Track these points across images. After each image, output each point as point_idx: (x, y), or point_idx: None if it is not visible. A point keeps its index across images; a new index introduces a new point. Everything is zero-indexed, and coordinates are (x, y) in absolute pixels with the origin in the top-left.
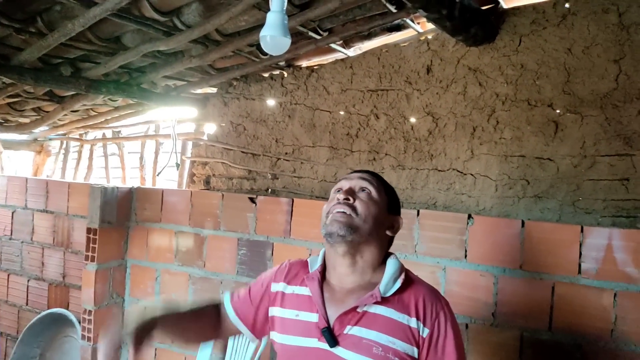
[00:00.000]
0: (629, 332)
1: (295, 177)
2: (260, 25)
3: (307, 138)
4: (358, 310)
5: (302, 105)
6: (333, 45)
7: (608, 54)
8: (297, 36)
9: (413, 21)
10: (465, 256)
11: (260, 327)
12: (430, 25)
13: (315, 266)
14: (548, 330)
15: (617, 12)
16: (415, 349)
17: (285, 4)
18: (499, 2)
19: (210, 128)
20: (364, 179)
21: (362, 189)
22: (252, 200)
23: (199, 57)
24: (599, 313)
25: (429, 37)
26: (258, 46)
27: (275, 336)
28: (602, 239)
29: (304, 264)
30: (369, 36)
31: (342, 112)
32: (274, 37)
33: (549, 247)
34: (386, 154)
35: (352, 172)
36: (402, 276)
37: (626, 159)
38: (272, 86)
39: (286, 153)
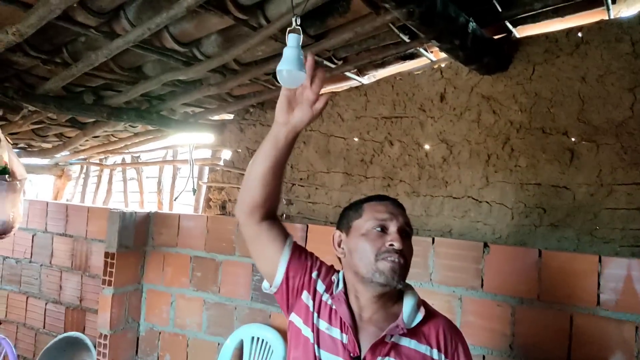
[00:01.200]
0: None
1: (309, 202)
2: (276, 55)
3: (321, 164)
4: (386, 340)
5: (317, 131)
6: (347, 74)
7: (622, 82)
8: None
9: (426, 50)
10: (482, 285)
11: (289, 291)
12: (444, 54)
13: (339, 286)
14: None
15: (630, 41)
16: None
17: (301, 39)
18: (511, 32)
19: (227, 154)
20: (405, 216)
21: (407, 234)
22: None
23: (217, 85)
24: (619, 346)
25: (443, 65)
26: (274, 74)
27: (299, 323)
28: (621, 269)
29: (332, 279)
30: (383, 64)
31: (356, 139)
32: (290, 71)
33: (567, 278)
34: (400, 181)
35: (384, 201)
36: (423, 308)
37: None
38: None
39: (301, 179)
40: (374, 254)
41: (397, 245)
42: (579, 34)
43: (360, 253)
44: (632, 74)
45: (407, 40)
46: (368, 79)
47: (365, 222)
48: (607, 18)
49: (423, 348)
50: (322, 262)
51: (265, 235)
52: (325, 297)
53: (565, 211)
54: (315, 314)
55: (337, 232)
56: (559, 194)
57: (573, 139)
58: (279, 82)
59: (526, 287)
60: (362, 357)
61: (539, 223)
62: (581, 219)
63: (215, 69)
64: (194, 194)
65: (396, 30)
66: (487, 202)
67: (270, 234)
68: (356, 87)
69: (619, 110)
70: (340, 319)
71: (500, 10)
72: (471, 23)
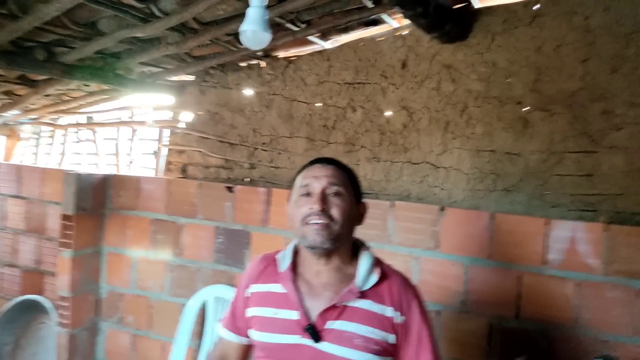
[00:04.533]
0: (590, 319)
1: (272, 167)
2: (238, 15)
3: (284, 128)
4: (337, 305)
5: (279, 95)
6: (311, 38)
7: (576, 54)
8: (275, 27)
9: (389, 16)
10: (438, 246)
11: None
12: (406, 21)
13: (285, 262)
14: (515, 319)
15: (583, 15)
16: (394, 336)
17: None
18: (470, 2)
19: (187, 116)
20: (332, 176)
21: (334, 192)
22: (229, 189)
23: (175, 44)
24: (562, 302)
25: (405, 32)
26: (236, 35)
27: (254, 334)
28: (566, 231)
29: (273, 260)
30: (346, 29)
31: (319, 104)
32: (254, 31)
33: (517, 239)
34: (362, 146)
35: (314, 164)
36: (378, 270)
37: (591, 155)
38: (249, 76)
39: (264, 143)
40: (300, 219)
41: (315, 207)
42: (537, 6)
43: (293, 220)
44: (585, 47)
45: (371, 6)
46: (331, 43)
47: (295, 189)
48: None
49: (377, 307)
50: (249, 272)
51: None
52: (264, 287)
53: (518, 177)
54: (259, 308)
55: (287, 204)
56: (512, 161)
57: (527, 108)
58: (241, 44)
59: (479, 248)
60: (313, 323)
61: (492, 188)
62: (532, 184)
63: (174, 28)
64: (154, 156)
65: None
66: (445, 168)
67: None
68: (319, 52)
69: (572, 81)
70: (286, 296)
71: None
72: None
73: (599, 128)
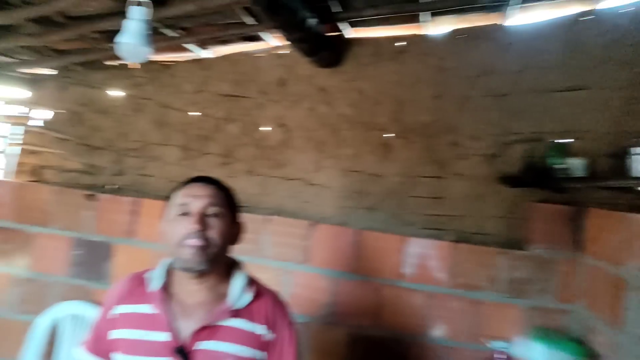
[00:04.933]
0: (436, 327)
1: (142, 175)
2: (110, 14)
3: (157, 135)
4: (210, 325)
5: (152, 100)
6: (188, 45)
7: (430, 90)
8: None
9: (269, 34)
10: (308, 260)
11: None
12: (285, 40)
13: (156, 282)
14: (373, 327)
15: (437, 56)
16: (264, 353)
17: (148, 13)
18: (343, 32)
19: (45, 114)
20: (212, 196)
21: (213, 213)
22: (89, 196)
23: (35, 36)
24: (414, 311)
25: (283, 52)
26: (105, 33)
27: (120, 358)
28: (420, 248)
29: (142, 280)
30: (225, 42)
31: (195, 113)
32: (133, 44)
33: (378, 254)
34: (238, 159)
35: (195, 183)
36: (253, 289)
37: (440, 180)
38: (117, 76)
39: (133, 149)
40: (177, 239)
41: (193, 228)
42: (400, 43)
43: (168, 239)
44: (438, 85)
45: (252, 23)
46: (210, 53)
47: (172, 208)
48: (421, 33)
49: (249, 326)
50: (113, 293)
51: None
52: (131, 308)
53: (380, 196)
54: (124, 330)
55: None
56: (375, 181)
57: (390, 135)
58: (111, 43)
59: (346, 262)
60: (184, 344)
61: (358, 205)
62: (392, 204)
63: (33, 18)
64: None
65: (241, 13)
66: (317, 185)
67: None
68: (197, 60)
69: (426, 114)
70: (156, 317)
71: (335, 10)
72: (313, 19)
73: (447, 157)
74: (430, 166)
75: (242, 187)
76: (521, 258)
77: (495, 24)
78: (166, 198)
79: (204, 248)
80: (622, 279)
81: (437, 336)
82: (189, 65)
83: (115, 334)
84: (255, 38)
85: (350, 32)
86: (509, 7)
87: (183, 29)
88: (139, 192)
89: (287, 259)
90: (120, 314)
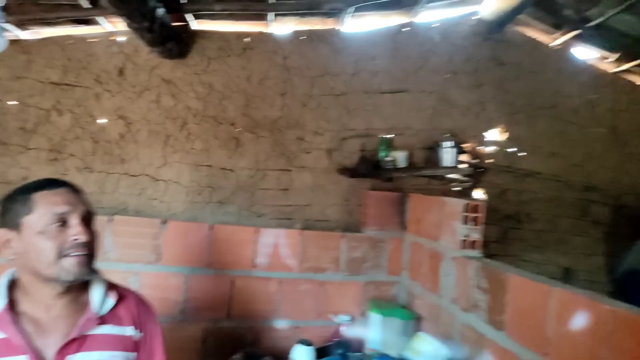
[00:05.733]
0: (287, 310)
1: None
2: None
3: None
4: (77, 337)
5: None
6: (3, 25)
7: (277, 88)
8: None
9: (105, 18)
10: (159, 259)
11: None
12: (122, 26)
13: None
14: (227, 319)
15: (282, 55)
16: (135, 354)
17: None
18: (189, 23)
19: None
20: (84, 203)
21: (88, 219)
22: None
23: None
24: (266, 298)
25: (121, 39)
26: None
27: None
28: (272, 237)
29: None
30: (50, 23)
31: (14, 102)
32: None
33: (231, 247)
34: (71, 155)
35: (61, 188)
36: (114, 293)
37: (287, 173)
38: None
39: None
40: (55, 252)
41: (82, 238)
42: (247, 40)
43: (39, 253)
44: (283, 83)
45: (88, 6)
46: (30, 34)
47: (41, 217)
48: (267, 31)
49: (117, 330)
50: None
51: None
52: None
53: (231, 190)
54: None
55: (1, 231)
56: (226, 176)
57: (239, 130)
58: None
59: (199, 258)
60: None
61: (209, 200)
62: (242, 197)
63: None
64: None
65: None
66: (164, 181)
67: None
68: (14, 41)
69: (273, 110)
70: (8, 341)
71: (184, 1)
72: (161, 9)
73: (293, 151)
74: (278, 160)
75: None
76: (358, 239)
77: (333, 29)
78: (5, 208)
79: (89, 257)
80: (437, 252)
81: (288, 318)
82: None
83: None
84: (87, 21)
85: (194, 24)
86: (344, 14)
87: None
88: None
89: (135, 260)
90: None
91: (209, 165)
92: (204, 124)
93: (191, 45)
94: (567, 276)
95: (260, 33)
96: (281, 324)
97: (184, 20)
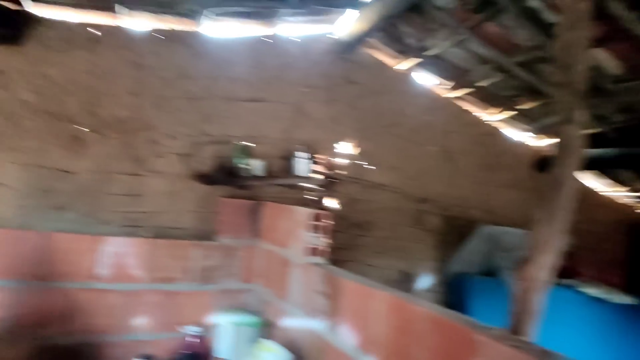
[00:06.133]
0: (132, 323)
1: None
2: None
3: None
4: None
5: None
6: None
7: (127, 86)
8: None
9: None
10: None
11: None
12: None
13: None
14: (64, 335)
15: (134, 52)
16: None
17: None
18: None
19: None
20: None
21: None
22: None
23: None
24: (110, 311)
25: None
26: None
27: None
28: (115, 246)
29: None
30: None
31: None
32: None
33: (69, 257)
34: None
35: None
36: None
37: (138, 178)
38: None
39: None
40: None
41: None
42: (95, 32)
43: None
44: (135, 82)
45: None
46: None
47: None
48: (117, 25)
49: None
50: None
51: None
52: None
53: (71, 195)
54: None
55: None
56: (65, 178)
57: (82, 128)
58: None
59: (30, 269)
60: None
61: (45, 205)
62: (85, 202)
63: None
64: None
65: None
66: None
67: None
68: None
69: (123, 110)
70: None
71: None
72: None
73: (145, 154)
74: (128, 163)
75: None
76: (211, 248)
77: (193, 31)
78: None
79: None
80: (287, 260)
81: (133, 332)
82: None
83: None
84: None
85: (30, 7)
86: (200, 16)
87: None
88: None
89: None
90: None
91: (45, 167)
92: (41, 120)
93: (28, 32)
94: (405, 280)
95: (111, 27)
96: (124, 339)
97: (18, 2)
